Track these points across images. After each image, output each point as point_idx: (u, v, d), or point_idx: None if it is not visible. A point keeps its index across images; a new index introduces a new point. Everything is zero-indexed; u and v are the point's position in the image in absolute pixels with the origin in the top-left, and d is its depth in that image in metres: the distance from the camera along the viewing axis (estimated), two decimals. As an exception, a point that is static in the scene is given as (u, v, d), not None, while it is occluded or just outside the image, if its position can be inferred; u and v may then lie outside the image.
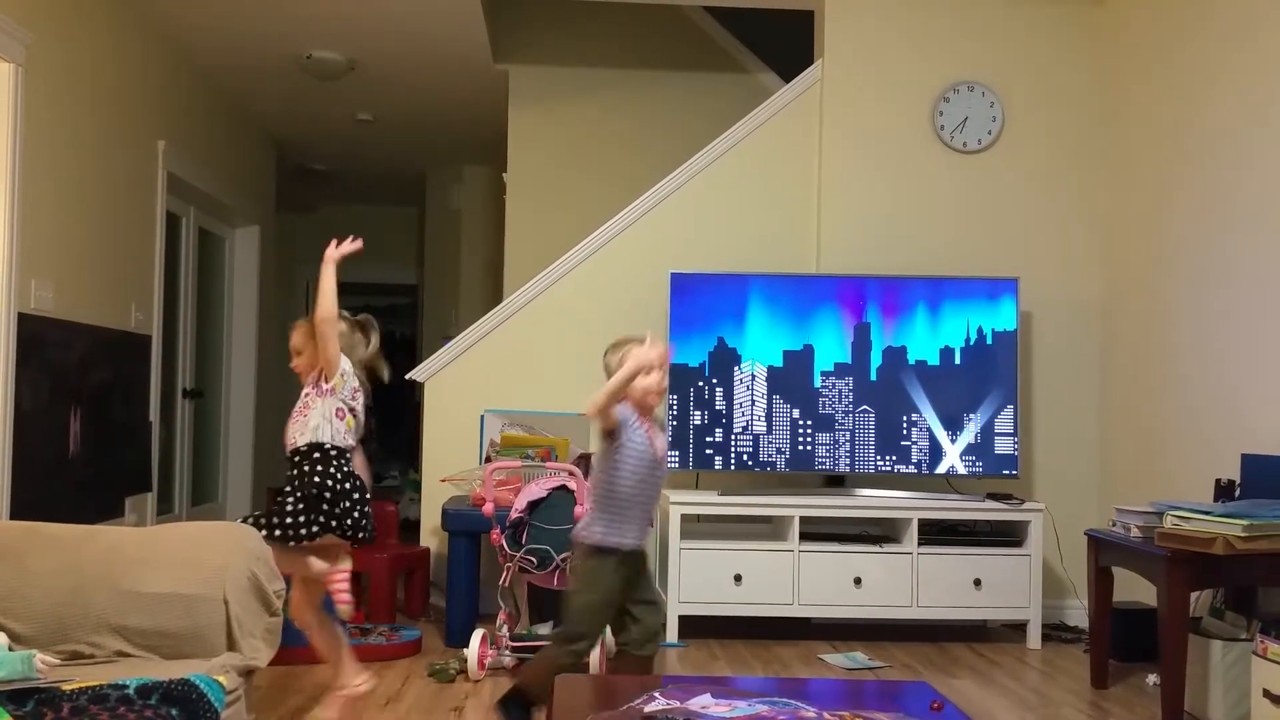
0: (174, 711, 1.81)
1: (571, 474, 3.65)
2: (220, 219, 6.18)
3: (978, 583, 4.01)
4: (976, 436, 4.18)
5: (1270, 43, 3.51)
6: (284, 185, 7.28)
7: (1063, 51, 4.57)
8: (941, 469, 4.18)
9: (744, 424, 4.20)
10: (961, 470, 4.18)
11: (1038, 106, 4.55)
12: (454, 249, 7.31)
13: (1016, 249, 4.50)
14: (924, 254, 4.45)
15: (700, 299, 4.26)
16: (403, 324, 9.58)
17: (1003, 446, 4.18)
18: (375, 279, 8.86)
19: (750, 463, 4.18)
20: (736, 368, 4.21)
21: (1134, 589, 3.75)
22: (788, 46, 5.29)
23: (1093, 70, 4.56)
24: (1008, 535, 4.12)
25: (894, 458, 4.18)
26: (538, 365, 4.51)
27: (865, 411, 4.19)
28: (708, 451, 4.19)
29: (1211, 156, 3.81)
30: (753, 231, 4.56)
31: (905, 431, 4.19)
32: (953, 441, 4.17)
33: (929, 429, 4.18)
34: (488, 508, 3.62)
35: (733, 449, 4.19)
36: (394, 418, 9.02)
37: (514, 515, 3.60)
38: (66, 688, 1.83)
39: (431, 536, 4.50)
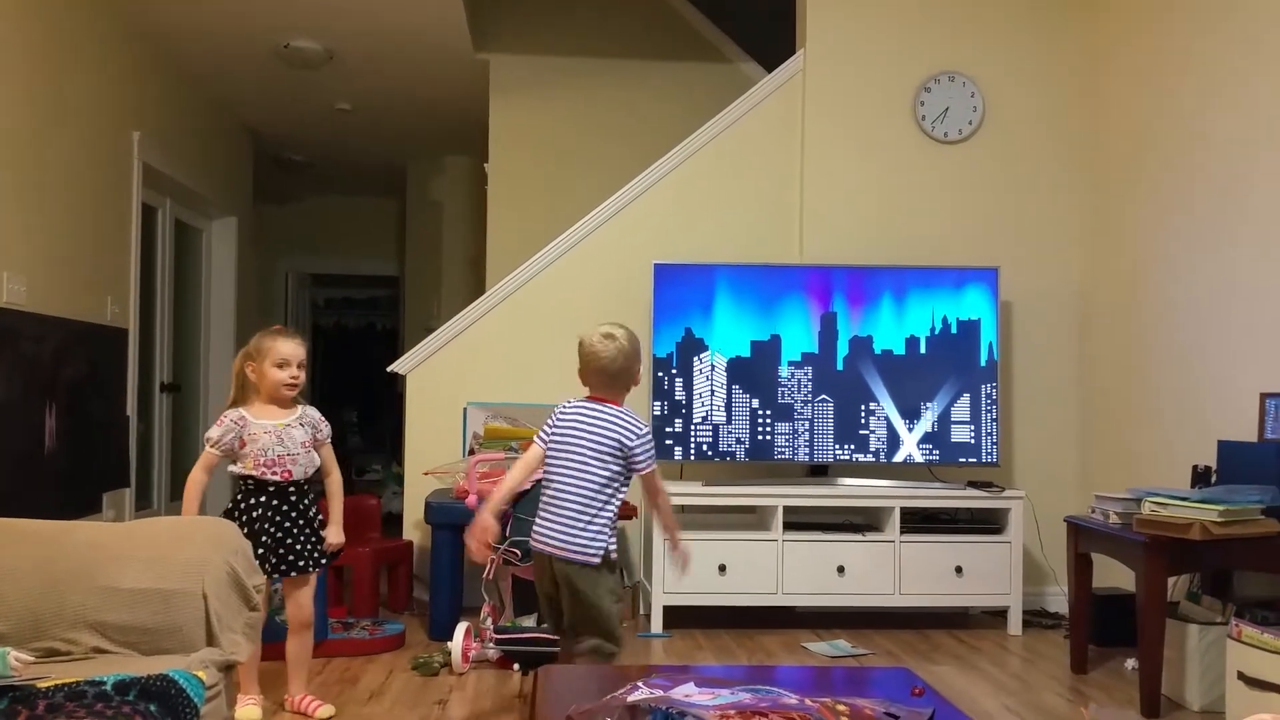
0: (153, 707, 1.79)
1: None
2: (197, 211, 6.12)
3: (959, 570, 4.04)
4: (934, 425, 4.20)
5: (1247, 33, 3.53)
6: (262, 176, 7.22)
7: (1043, 41, 4.59)
8: (899, 457, 4.20)
9: (704, 414, 4.20)
10: (918, 458, 4.21)
11: (1018, 96, 4.57)
12: (435, 240, 7.28)
13: (997, 238, 4.52)
14: (905, 243, 4.46)
15: (680, 290, 4.26)
16: (384, 316, 9.54)
17: (960, 434, 4.20)
18: (356, 271, 8.84)
19: (710, 452, 4.20)
20: (696, 358, 4.22)
21: (1113, 575, 3.79)
22: (770, 36, 5.28)
23: (1072, 60, 4.58)
24: (989, 523, 4.15)
25: (852, 446, 4.20)
26: (521, 357, 4.49)
27: (824, 401, 4.20)
28: (667, 442, 4.20)
29: (1188, 145, 3.83)
30: (736, 222, 4.56)
31: (864, 420, 4.20)
32: (910, 430, 4.20)
33: (887, 418, 4.20)
34: (471, 500, 3.60)
35: (692, 439, 4.19)
36: (376, 411, 8.99)
37: (496, 507, 3.58)
38: (42, 685, 1.81)
39: (414, 530, 4.49)
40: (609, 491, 2.61)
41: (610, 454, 2.60)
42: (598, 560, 2.58)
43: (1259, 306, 3.44)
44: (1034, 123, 4.57)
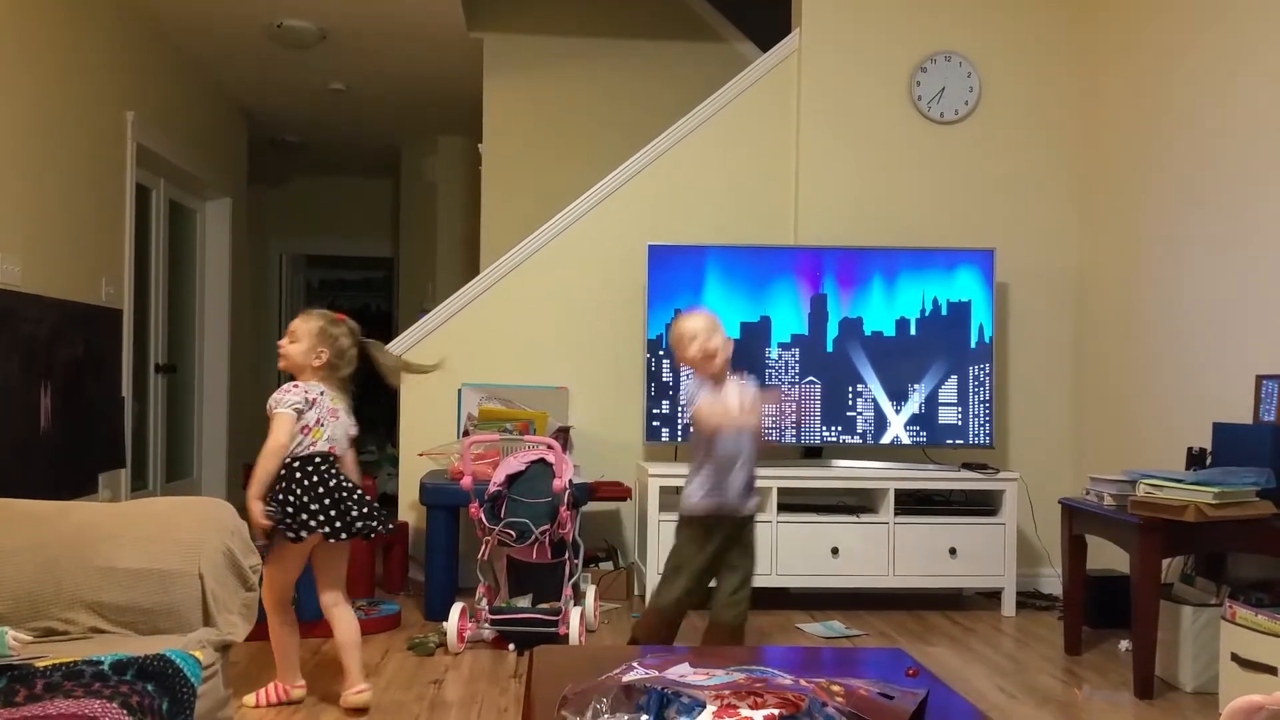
0: (150, 687, 1.80)
1: (550, 447, 3.64)
2: (191, 191, 6.09)
3: (953, 551, 4.05)
4: (921, 406, 4.20)
5: (1246, 16, 3.52)
6: (255, 157, 7.17)
7: (1040, 22, 4.56)
8: (886, 439, 4.21)
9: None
10: (905, 440, 4.21)
11: (1015, 77, 4.55)
12: (429, 221, 7.25)
13: (993, 219, 4.51)
14: (901, 224, 4.45)
15: (674, 271, 4.25)
16: (379, 298, 9.51)
17: (948, 416, 4.21)
18: (350, 252, 8.80)
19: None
20: None
21: (1107, 556, 3.81)
22: (765, 16, 5.25)
23: (1070, 41, 4.56)
24: (983, 504, 4.16)
25: (839, 428, 4.20)
26: (515, 338, 4.49)
27: (812, 382, 4.20)
28: (655, 424, 4.21)
29: (1185, 128, 3.83)
30: (731, 203, 4.54)
31: (851, 402, 4.21)
32: (897, 412, 4.20)
33: (875, 400, 4.21)
34: (466, 481, 3.61)
35: (680, 421, 4.20)
36: (371, 392, 8.99)
37: (492, 489, 3.59)
38: (40, 664, 1.81)
39: (410, 511, 4.49)
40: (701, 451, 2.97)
41: None
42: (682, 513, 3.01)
43: (1255, 288, 3.44)
44: (1031, 102, 4.55)
